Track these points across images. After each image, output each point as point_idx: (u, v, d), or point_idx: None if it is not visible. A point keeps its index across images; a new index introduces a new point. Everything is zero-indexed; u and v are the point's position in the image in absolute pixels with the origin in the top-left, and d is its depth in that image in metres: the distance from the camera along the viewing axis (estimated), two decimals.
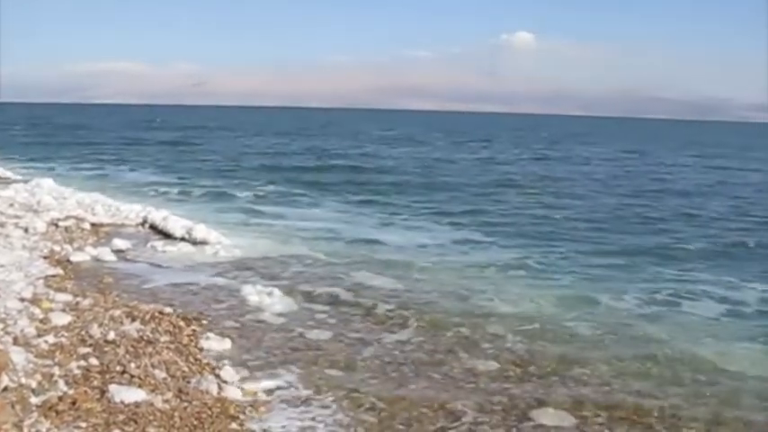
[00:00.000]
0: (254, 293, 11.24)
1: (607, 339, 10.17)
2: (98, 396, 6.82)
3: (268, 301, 10.97)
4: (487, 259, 15.26)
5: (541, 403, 7.70)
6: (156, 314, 9.65)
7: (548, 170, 39.00)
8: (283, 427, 6.79)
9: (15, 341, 7.97)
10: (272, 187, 27.20)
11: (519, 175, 35.81)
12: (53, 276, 11.50)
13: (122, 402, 6.74)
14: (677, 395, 8.11)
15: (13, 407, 6.22)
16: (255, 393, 7.52)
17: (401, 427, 7.01)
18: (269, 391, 7.61)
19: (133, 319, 9.26)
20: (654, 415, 7.55)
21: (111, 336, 8.53)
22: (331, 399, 7.52)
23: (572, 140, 76.04)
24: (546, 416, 7.43)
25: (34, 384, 6.83)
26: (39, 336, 8.28)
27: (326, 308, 10.91)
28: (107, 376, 7.34)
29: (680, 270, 14.87)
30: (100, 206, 18.50)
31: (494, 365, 8.79)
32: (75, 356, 7.79)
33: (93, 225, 16.62)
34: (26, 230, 14.91)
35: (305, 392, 7.64)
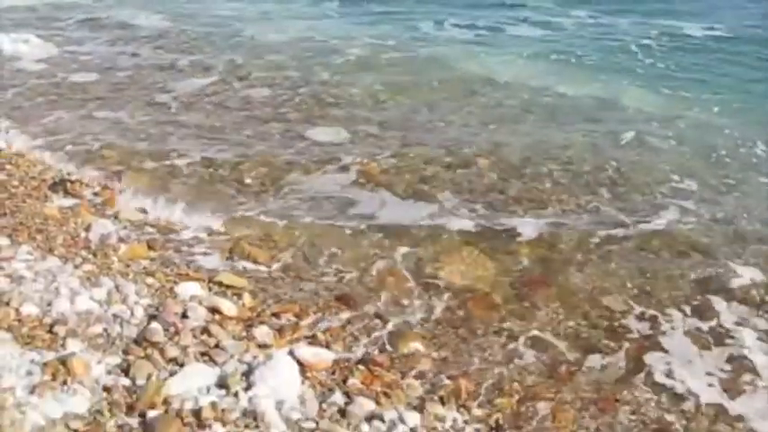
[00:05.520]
0: (7, 42, 10.30)
1: (385, 60, 10.46)
2: None
3: (24, 48, 10.16)
4: None
5: (314, 124, 7.90)
6: None
7: None
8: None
9: None
10: None
11: None
12: None
13: None
14: (448, 109, 8.54)
15: None
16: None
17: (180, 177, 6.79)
18: (35, 146, 7.16)
19: None
20: (424, 123, 8.02)
21: None
22: (97, 133, 7.27)
23: None
24: (321, 133, 7.64)
25: None
26: None
27: (91, 49, 10.28)
28: None
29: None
30: None
31: (267, 92, 8.89)
32: None
33: None
34: None
35: (74, 134, 7.27)
